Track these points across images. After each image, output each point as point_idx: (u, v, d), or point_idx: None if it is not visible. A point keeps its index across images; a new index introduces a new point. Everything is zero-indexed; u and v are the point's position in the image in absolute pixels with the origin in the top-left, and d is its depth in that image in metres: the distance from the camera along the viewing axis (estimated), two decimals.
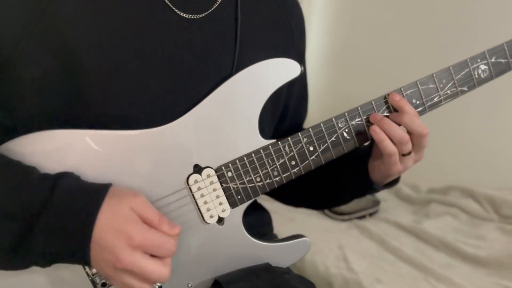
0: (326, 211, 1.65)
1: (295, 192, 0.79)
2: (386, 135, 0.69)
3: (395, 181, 0.79)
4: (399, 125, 0.70)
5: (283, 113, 0.82)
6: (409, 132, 0.69)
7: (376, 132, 0.69)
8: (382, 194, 1.77)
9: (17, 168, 0.56)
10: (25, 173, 0.56)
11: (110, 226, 0.54)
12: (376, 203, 1.66)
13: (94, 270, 0.63)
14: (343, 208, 1.62)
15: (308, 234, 0.77)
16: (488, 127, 1.76)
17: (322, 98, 2.07)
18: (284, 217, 1.57)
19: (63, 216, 0.54)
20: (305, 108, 0.91)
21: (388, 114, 0.72)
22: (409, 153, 0.70)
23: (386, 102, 0.71)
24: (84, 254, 0.54)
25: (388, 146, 0.69)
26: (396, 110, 0.71)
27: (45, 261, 0.55)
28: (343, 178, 0.80)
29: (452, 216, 1.61)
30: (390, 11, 2.01)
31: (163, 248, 0.56)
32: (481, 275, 1.28)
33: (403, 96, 0.71)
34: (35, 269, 0.60)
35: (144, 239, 0.55)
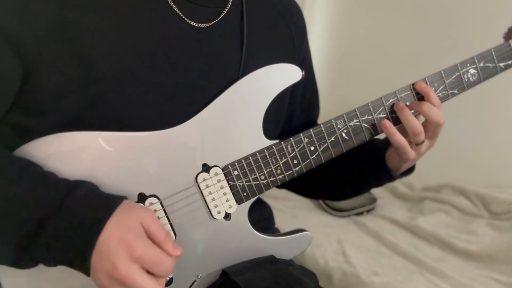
0: (326, 208, 1.64)
1: (316, 184, 0.79)
2: (402, 125, 0.70)
3: (411, 169, 0.80)
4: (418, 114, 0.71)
5: (291, 113, 0.82)
6: (426, 120, 0.70)
7: (386, 126, 0.70)
8: (378, 192, 1.76)
9: (34, 172, 0.56)
10: (41, 177, 0.55)
11: (115, 233, 0.51)
12: (373, 200, 1.65)
13: None
14: (342, 205, 1.61)
15: (309, 229, 0.77)
16: (478, 129, 1.75)
17: (322, 101, 2.05)
18: (287, 214, 1.57)
19: (72, 222, 0.52)
20: (317, 107, 0.91)
21: (384, 116, 0.72)
22: (422, 142, 0.71)
23: (382, 105, 0.71)
24: (85, 261, 0.52)
25: (398, 139, 0.70)
26: (392, 113, 0.72)
27: (49, 263, 0.54)
28: (362, 167, 0.80)
29: (445, 212, 1.60)
30: (388, 18, 2.00)
31: (162, 267, 0.53)
32: (472, 268, 1.28)
33: (398, 98, 0.72)
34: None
35: (146, 253, 0.51)
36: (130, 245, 0.51)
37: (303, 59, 0.82)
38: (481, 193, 1.63)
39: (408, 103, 0.72)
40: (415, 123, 0.69)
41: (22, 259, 0.53)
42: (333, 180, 0.85)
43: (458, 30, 1.74)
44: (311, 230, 0.78)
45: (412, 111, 0.71)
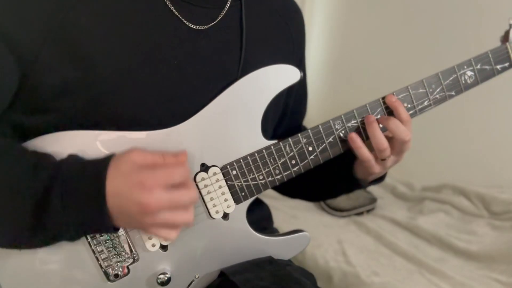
0: (326, 208, 1.64)
1: (292, 185, 0.80)
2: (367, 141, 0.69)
3: (382, 178, 0.80)
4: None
5: (283, 113, 0.83)
6: (393, 137, 0.70)
7: (353, 140, 0.70)
8: (378, 192, 1.76)
9: (28, 154, 0.57)
10: (38, 155, 0.57)
11: (120, 181, 0.53)
12: (373, 200, 1.65)
13: (106, 263, 0.64)
14: (342, 205, 1.61)
15: (308, 230, 0.77)
16: (479, 129, 1.75)
17: (321, 102, 2.07)
18: (287, 214, 1.57)
19: (74, 183, 0.53)
20: (304, 109, 0.92)
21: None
22: (388, 157, 0.71)
23: (380, 105, 0.71)
24: (103, 214, 0.53)
25: (363, 153, 0.70)
26: (390, 113, 0.72)
27: (70, 232, 0.55)
28: (332, 174, 0.80)
29: (445, 212, 1.59)
30: (387, 19, 2.00)
31: (176, 175, 0.55)
32: (472, 268, 1.27)
33: None
34: (49, 267, 0.60)
35: (155, 178, 0.53)
36: (138, 182, 0.53)
37: (300, 60, 0.82)
38: (481, 193, 1.62)
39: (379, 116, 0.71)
40: (381, 140, 0.69)
41: (38, 236, 0.55)
42: (308, 183, 0.85)
43: (456, 32, 1.74)
44: (311, 230, 0.78)
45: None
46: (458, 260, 1.32)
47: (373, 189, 1.78)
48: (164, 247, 0.66)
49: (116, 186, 0.53)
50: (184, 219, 0.55)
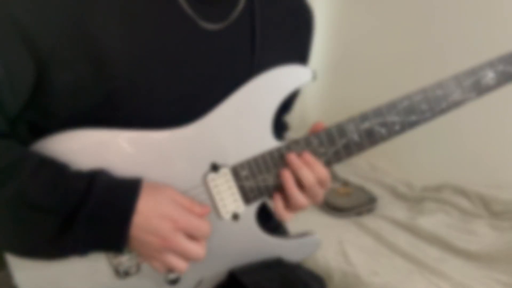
0: (326, 208, 1.65)
1: None
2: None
3: None
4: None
5: (284, 111, 0.83)
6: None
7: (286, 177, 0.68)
8: (378, 192, 1.77)
9: (51, 165, 0.57)
10: (59, 169, 0.57)
11: (155, 211, 0.58)
12: (373, 200, 1.66)
13: (117, 260, 0.64)
14: (342, 205, 1.62)
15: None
16: (479, 129, 1.76)
17: (322, 103, 2.07)
18: None
19: (103, 207, 0.56)
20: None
21: (396, 119, 0.71)
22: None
23: (394, 107, 0.70)
24: (121, 241, 0.57)
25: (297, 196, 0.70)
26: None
27: (83, 252, 0.57)
28: None
29: (445, 212, 1.61)
30: (389, 18, 2.01)
31: (201, 231, 0.61)
32: (472, 268, 1.29)
33: (411, 103, 0.71)
34: (59, 262, 0.61)
35: (187, 221, 0.59)
36: (172, 218, 0.58)
37: (307, 60, 0.82)
38: (481, 193, 1.64)
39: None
40: (301, 201, 0.71)
41: (55, 252, 0.57)
42: None
43: (458, 31, 1.74)
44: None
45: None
46: (458, 260, 1.34)
47: (373, 189, 1.79)
48: None
49: (149, 211, 0.58)
50: (181, 267, 0.60)
